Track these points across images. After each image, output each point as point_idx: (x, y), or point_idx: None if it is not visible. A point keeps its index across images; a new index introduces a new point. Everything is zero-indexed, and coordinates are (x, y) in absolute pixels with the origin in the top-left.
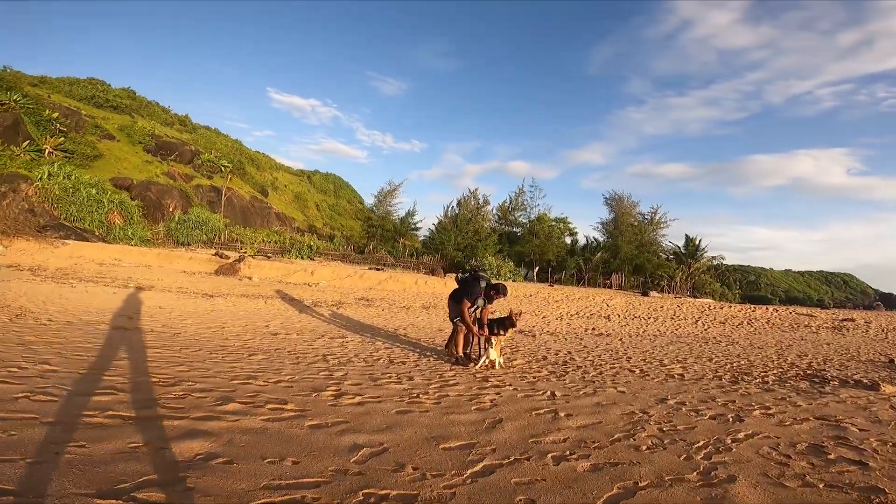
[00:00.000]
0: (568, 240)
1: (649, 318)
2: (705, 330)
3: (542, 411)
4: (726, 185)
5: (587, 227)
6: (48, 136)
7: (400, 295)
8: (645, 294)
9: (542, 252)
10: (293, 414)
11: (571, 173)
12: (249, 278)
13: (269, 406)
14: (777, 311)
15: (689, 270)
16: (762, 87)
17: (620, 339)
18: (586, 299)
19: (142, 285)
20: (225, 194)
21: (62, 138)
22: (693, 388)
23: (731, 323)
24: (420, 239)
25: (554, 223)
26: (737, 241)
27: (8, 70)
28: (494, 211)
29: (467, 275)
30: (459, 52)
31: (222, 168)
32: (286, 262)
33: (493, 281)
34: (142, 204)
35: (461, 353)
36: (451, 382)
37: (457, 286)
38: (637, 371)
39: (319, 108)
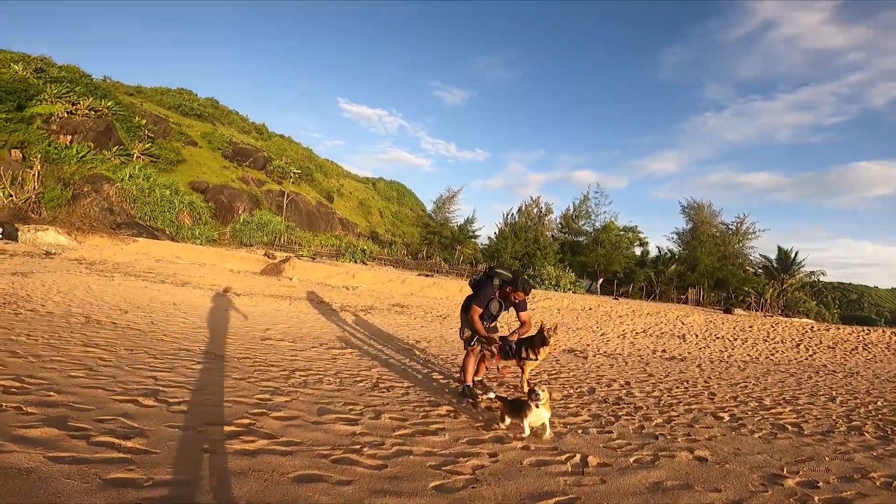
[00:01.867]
0: (637, 251)
1: (735, 339)
2: (810, 356)
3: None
4: (823, 196)
5: (660, 238)
6: (137, 142)
7: (441, 303)
8: (728, 311)
9: (607, 263)
10: (115, 456)
11: (641, 183)
12: (290, 279)
13: (97, 439)
14: None
15: (783, 286)
16: (862, 89)
17: (699, 366)
18: (656, 315)
19: (181, 281)
20: (288, 197)
21: (149, 144)
22: (823, 451)
23: (843, 348)
24: (480, 247)
25: (622, 232)
26: (836, 256)
27: (107, 80)
28: (557, 220)
29: (482, 274)
30: (523, 61)
31: (292, 174)
32: (331, 265)
33: (512, 275)
34: (214, 206)
35: (469, 382)
36: (433, 428)
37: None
38: (726, 417)
39: (385, 118)
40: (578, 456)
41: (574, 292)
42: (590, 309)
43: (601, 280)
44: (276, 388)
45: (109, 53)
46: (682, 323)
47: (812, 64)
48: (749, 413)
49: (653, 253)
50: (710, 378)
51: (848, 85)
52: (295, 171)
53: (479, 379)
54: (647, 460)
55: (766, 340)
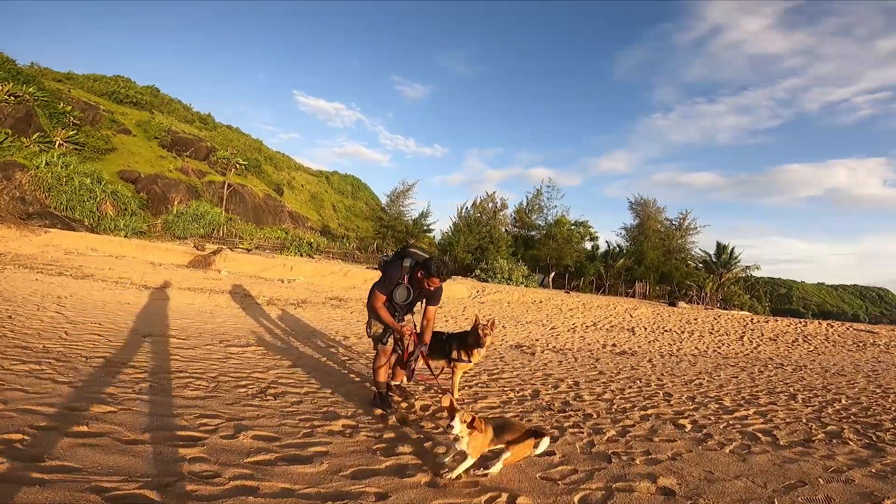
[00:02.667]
0: (588, 245)
1: (683, 332)
2: (755, 349)
3: None
4: (758, 196)
5: (610, 234)
6: (60, 129)
7: None
8: (672, 304)
9: (559, 257)
10: None
11: (594, 181)
12: (218, 271)
13: None
14: (832, 326)
15: (721, 280)
16: (797, 94)
17: (650, 360)
18: (606, 308)
19: (84, 274)
20: (229, 188)
21: (74, 131)
22: (811, 469)
23: (784, 340)
24: (436, 242)
25: (573, 226)
26: (768, 253)
27: (35, 66)
28: (511, 215)
29: (393, 255)
30: (483, 58)
31: (237, 165)
32: (267, 257)
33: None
34: (145, 197)
35: (383, 389)
36: (309, 453)
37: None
38: (688, 426)
39: (343, 112)
40: (505, 496)
41: (526, 286)
42: (540, 302)
43: (553, 274)
44: (113, 394)
45: (42, 39)
46: (631, 316)
47: (754, 68)
48: (712, 418)
49: (602, 248)
50: (662, 375)
51: (784, 89)
52: (241, 162)
53: (398, 384)
54: (598, 498)
55: (711, 333)
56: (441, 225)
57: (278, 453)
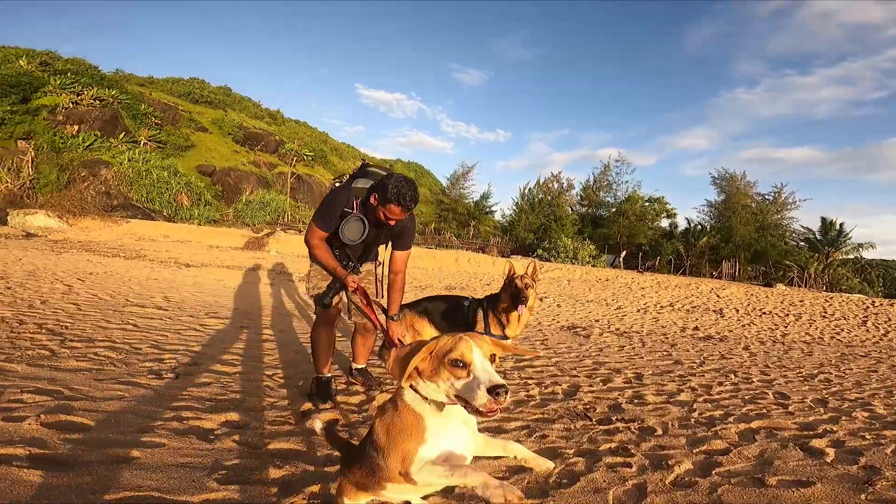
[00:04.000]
0: (665, 223)
1: (786, 315)
2: (884, 335)
3: None
4: (866, 171)
5: (691, 212)
6: (143, 129)
7: (428, 273)
8: (769, 285)
9: (630, 235)
10: None
11: (671, 159)
12: (268, 251)
13: None
14: None
15: (828, 260)
16: None
17: (747, 348)
18: (686, 287)
19: (136, 255)
20: (293, 176)
21: (157, 130)
22: None
23: None
24: (500, 223)
25: (647, 203)
26: (881, 232)
27: (119, 72)
28: (578, 193)
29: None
30: (542, 39)
31: (304, 156)
32: None
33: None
34: (220, 188)
35: (324, 373)
36: (105, 456)
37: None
38: (828, 450)
39: (404, 102)
40: None
41: (593, 266)
42: (606, 280)
43: (624, 254)
44: None
45: (124, 47)
46: (718, 296)
47: (850, 38)
48: (866, 437)
49: (682, 226)
50: (768, 367)
51: (889, 59)
52: (307, 153)
53: (362, 367)
54: None
55: (824, 316)
56: (503, 206)
57: (56, 451)
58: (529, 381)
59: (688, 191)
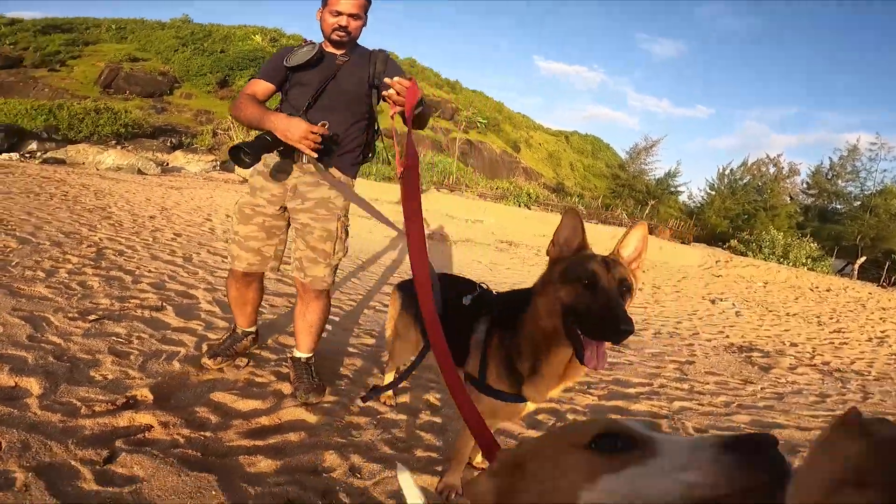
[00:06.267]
0: None
1: None
2: None
3: None
4: None
5: None
6: None
7: None
8: None
9: (877, 238)
10: None
11: None
12: None
13: None
14: None
15: None
16: None
17: None
18: None
19: None
20: (460, 142)
21: None
22: None
23: None
24: (690, 206)
25: None
26: None
27: None
28: (804, 181)
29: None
30: (756, 9)
31: (478, 123)
32: (465, 198)
33: None
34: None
35: (246, 327)
36: None
37: None
38: None
39: (585, 74)
40: None
41: (810, 269)
42: (826, 290)
43: (862, 259)
44: None
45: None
46: None
47: None
48: None
49: None
50: None
51: None
52: (481, 120)
53: (302, 357)
54: None
55: None
56: (693, 188)
57: None
58: None
59: None
